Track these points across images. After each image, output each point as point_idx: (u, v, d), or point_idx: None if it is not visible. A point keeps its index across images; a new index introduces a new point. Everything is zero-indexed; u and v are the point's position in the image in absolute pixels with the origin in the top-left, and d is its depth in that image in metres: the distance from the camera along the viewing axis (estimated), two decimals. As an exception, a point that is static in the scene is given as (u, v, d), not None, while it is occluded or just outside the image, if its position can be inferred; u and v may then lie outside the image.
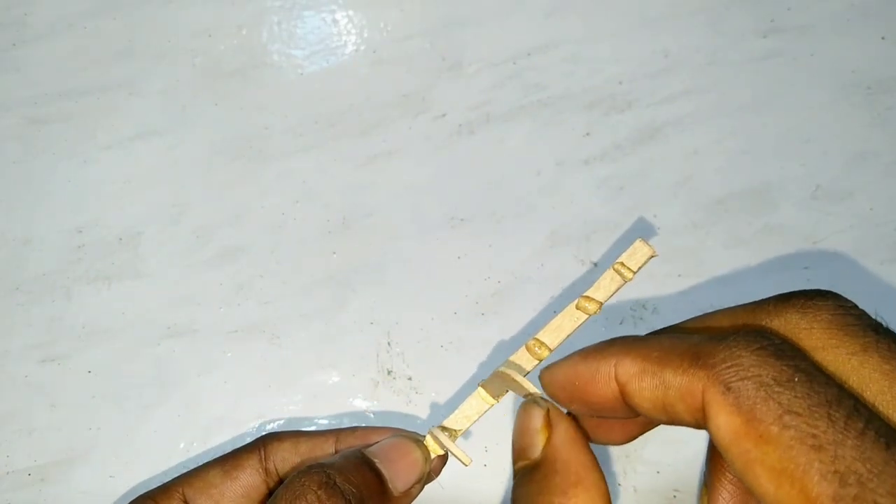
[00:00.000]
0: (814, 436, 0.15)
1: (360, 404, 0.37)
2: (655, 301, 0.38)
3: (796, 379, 0.16)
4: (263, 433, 0.28)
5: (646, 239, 0.24)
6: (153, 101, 0.44)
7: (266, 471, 0.26)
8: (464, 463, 0.25)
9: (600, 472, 0.20)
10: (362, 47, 0.44)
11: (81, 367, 0.38)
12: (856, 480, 0.14)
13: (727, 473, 0.23)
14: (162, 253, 0.40)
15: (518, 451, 0.21)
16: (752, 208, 0.40)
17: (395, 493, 0.24)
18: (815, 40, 0.43)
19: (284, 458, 0.27)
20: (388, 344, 0.38)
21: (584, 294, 0.25)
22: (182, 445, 0.37)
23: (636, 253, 0.24)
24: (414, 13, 0.45)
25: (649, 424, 0.24)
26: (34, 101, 0.44)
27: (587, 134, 0.42)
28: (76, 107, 0.44)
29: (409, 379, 0.38)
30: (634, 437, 0.24)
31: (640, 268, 0.24)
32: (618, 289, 0.24)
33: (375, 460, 0.25)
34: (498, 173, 0.41)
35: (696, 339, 0.18)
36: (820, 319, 0.19)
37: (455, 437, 0.25)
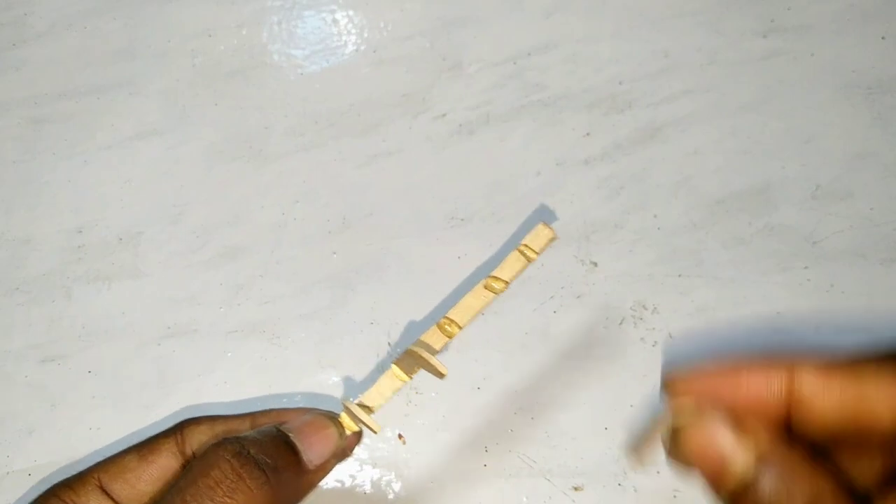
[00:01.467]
0: None
1: (360, 404, 0.37)
2: (655, 301, 0.38)
3: None
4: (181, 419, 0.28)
5: (548, 223, 0.26)
6: (153, 100, 0.44)
7: (183, 454, 0.27)
8: (374, 431, 0.26)
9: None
10: (362, 47, 0.44)
11: (81, 367, 0.38)
12: None
13: None
14: (162, 253, 0.40)
15: (715, 473, 0.18)
16: (752, 208, 0.40)
17: (310, 466, 0.25)
18: (815, 40, 0.43)
19: (201, 441, 0.27)
20: (388, 344, 0.38)
21: (491, 274, 0.26)
22: (182, 445, 0.37)
23: (538, 235, 0.25)
24: (414, 13, 0.45)
25: None
26: (34, 101, 0.44)
27: (587, 134, 0.42)
28: (76, 107, 0.44)
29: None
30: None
31: (542, 249, 0.25)
32: (522, 269, 0.26)
33: (290, 434, 0.25)
34: (498, 173, 0.41)
35: (883, 348, 0.18)
36: None
37: (370, 413, 0.26)
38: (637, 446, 0.21)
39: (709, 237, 0.39)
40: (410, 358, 0.26)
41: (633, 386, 0.37)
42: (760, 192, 0.40)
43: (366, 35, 0.44)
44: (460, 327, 0.26)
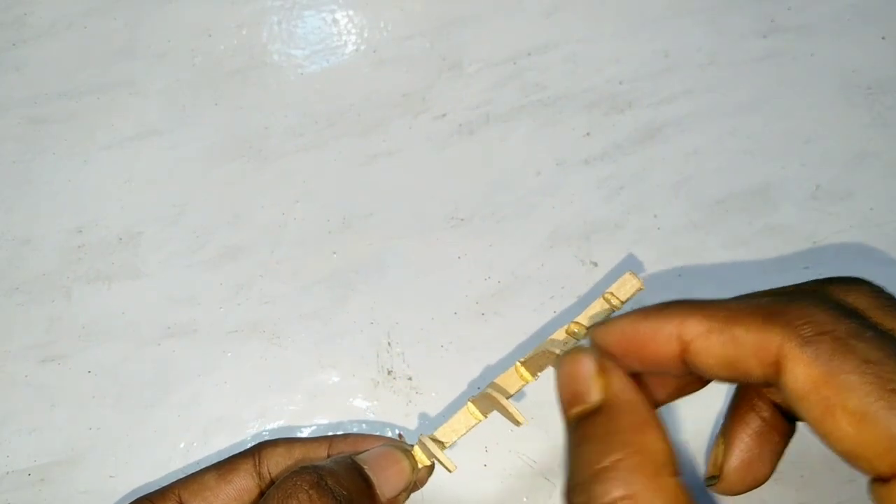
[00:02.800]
0: (891, 380, 0.16)
1: (360, 404, 0.37)
2: (655, 301, 0.38)
3: (868, 334, 0.17)
4: (260, 440, 0.29)
5: (636, 272, 0.27)
6: (153, 101, 0.44)
7: (259, 475, 0.27)
8: (448, 469, 0.26)
9: (658, 419, 0.20)
10: (362, 47, 0.44)
11: (81, 367, 0.38)
12: None
13: (746, 427, 0.24)
14: (162, 253, 0.40)
15: (570, 398, 0.21)
16: (752, 208, 0.40)
17: (383, 500, 0.25)
18: (815, 40, 0.43)
19: (278, 463, 0.28)
20: (388, 344, 0.38)
21: (574, 320, 0.26)
22: (182, 445, 0.37)
23: (625, 285, 0.26)
24: (414, 13, 0.45)
25: (688, 387, 0.24)
26: (34, 101, 0.44)
27: (587, 134, 0.42)
28: (76, 107, 0.44)
29: (409, 379, 0.38)
30: (672, 399, 0.24)
31: (628, 299, 0.26)
32: (606, 318, 0.26)
33: (365, 467, 0.25)
34: (498, 173, 0.41)
35: (765, 300, 0.19)
36: (860, 300, 0.20)
37: (443, 449, 0.26)
38: (529, 359, 0.25)
39: (709, 237, 0.39)
40: (486, 399, 0.26)
41: (633, 386, 0.37)
42: (760, 192, 0.40)
43: (366, 35, 0.44)
44: (532, 377, 0.26)
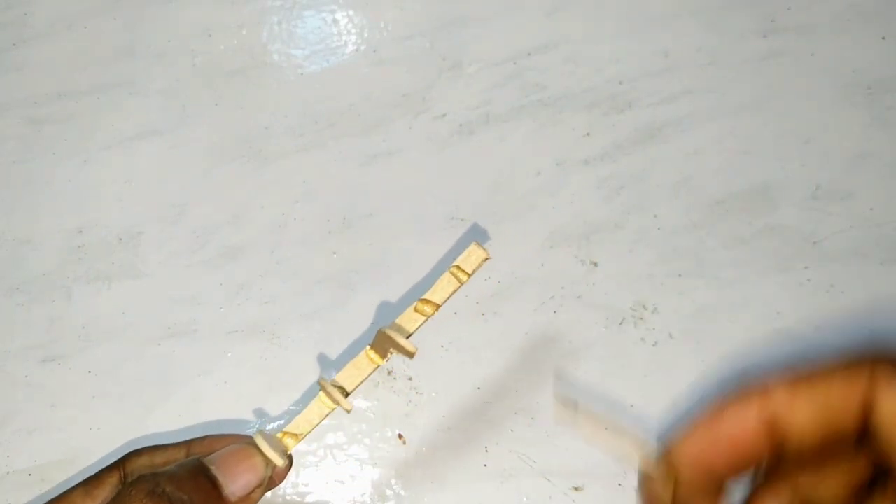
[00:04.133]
0: None
1: (360, 404, 0.37)
2: (655, 301, 0.38)
3: None
4: (128, 451, 0.29)
5: (480, 243, 0.26)
6: (153, 100, 0.44)
7: (123, 483, 0.27)
8: (280, 462, 0.25)
9: None
10: (362, 47, 0.44)
11: (81, 367, 0.38)
12: None
13: (786, 483, 0.22)
14: (162, 253, 0.40)
15: None
16: (752, 208, 0.40)
17: (233, 499, 0.25)
18: (815, 40, 0.43)
19: (141, 470, 0.27)
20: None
21: (423, 297, 0.26)
22: (182, 445, 0.37)
23: (471, 256, 0.25)
24: (414, 13, 0.45)
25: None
26: (34, 101, 0.44)
27: (587, 134, 0.42)
28: (76, 107, 0.44)
29: (409, 379, 0.38)
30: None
31: (474, 271, 0.25)
32: (454, 291, 0.26)
33: (212, 467, 0.25)
34: (498, 173, 0.41)
35: (835, 361, 0.19)
36: None
37: (297, 441, 0.26)
38: (377, 342, 0.25)
39: (709, 237, 0.39)
40: (331, 388, 0.26)
41: (633, 386, 0.37)
42: (760, 192, 0.40)
43: (366, 35, 0.44)
44: (382, 359, 0.26)
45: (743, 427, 0.19)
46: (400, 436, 0.36)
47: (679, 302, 0.38)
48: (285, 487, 0.36)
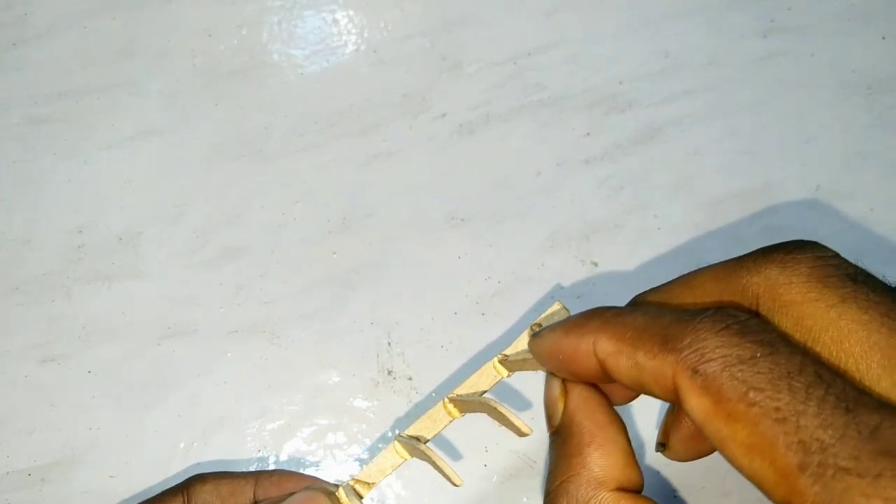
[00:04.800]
0: (777, 409, 0.15)
1: (360, 404, 0.37)
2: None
3: (759, 354, 0.16)
4: (192, 475, 0.29)
5: (562, 300, 0.27)
6: (153, 101, 0.44)
7: None
8: None
9: (617, 427, 0.21)
10: (362, 47, 0.44)
11: (81, 367, 0.38)
12: (818, 447, 0.15)
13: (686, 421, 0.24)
14: (162, 253, 0.40)
15: (547, 420, 0.23)
16: (752, 208, 0.40)
17: None
18: (815, 40, 0.43)
19: (206, 500, 0.28)
20: (388, 344, 0.38)
21: (503, 352, 0.27)
22: (182, 445, 0.37)
23: (554, 316, 0.26)
24: (414, 13, 0.45)
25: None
26: (34, 101, 0.44)
27: (587, 134, 0.42)
28: (76, 107, 0.44)
29: (409, 379, 0.38)
30: (632, 399, 0.25)
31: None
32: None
33: None
34: (498, 173, 0.41)
35: (668, 319, 0.19)
36: (799, 273, 0.19)
37: (369, 490, 0.26)
38: (461, 398, 0.26)
39: (709, 237, 0.39)
40: (412, 441, 0.26)
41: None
42: (760, 192, 0.40)
43: (366, 35, 0.44)
44: (460, 413, 0.27)
45: (579, 355, 0.21)
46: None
47: (679, 302, 0.38)
48: (285, 487, 0.36)
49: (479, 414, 0.27)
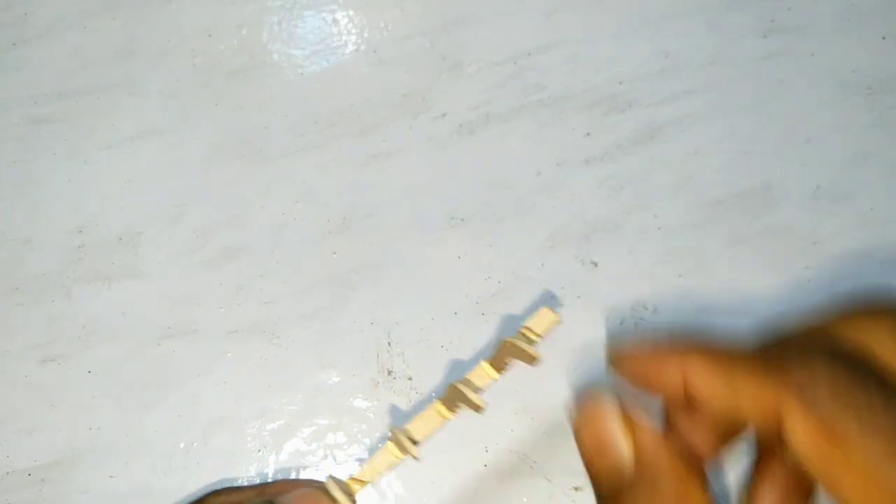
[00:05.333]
0: (892, 439, 0.15)
1: (360, 404, 0.37)
2: (655, 301, 0.38)
3: (871, 385, 0.16)
4: (207, 491, 0.31)
5: (552, 308, 0.27)
6: (153, 100, 0.44)
7: None
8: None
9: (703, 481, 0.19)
10: (362, 47, 0.44)
11: (81, 367, 0.38)
12: None
13: (771, 482, 0.22)
14: (162, 253, 0.40)
15: (596, 448, 0.20)
16: (752, 208, 0.40)
17: None
18: (816, 40, 0.43)
19: None
20: (388, 344, 0.38)
21: (493, 357, 0.27)
22: (182, 445, 0.37)
23: (542, 319, 0.27)
24: (414, 13, 0.45)
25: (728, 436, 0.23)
26: (34, 101, 0.44)
27: (587, 134, 0.42)
28: (76, 107, 0.44)
29: (409, 379, 0.38)
30: (719, 450, 0.22)
31: (545, 333, 0.26)
32: (524, 352, 0.27)
33: None
34: (498, 173, 0.41)
35: (771, 346, 0.18)
36: (879, 335, 0.19)
37: (363, 486, 0.27)
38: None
39: (709, 237, 0.39)
40: (403, 437, 0.27)
41: (633, 386, 0.37)
42: (760, 192, 0.40)
43: (366, 35, 0.44)
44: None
45: (664, 370, 0.19)
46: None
47: (679, 302, 0.38)
48: (285, 487, 0.36)
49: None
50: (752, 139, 0.41)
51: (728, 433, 0.22)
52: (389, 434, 0.28)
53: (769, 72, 0.42)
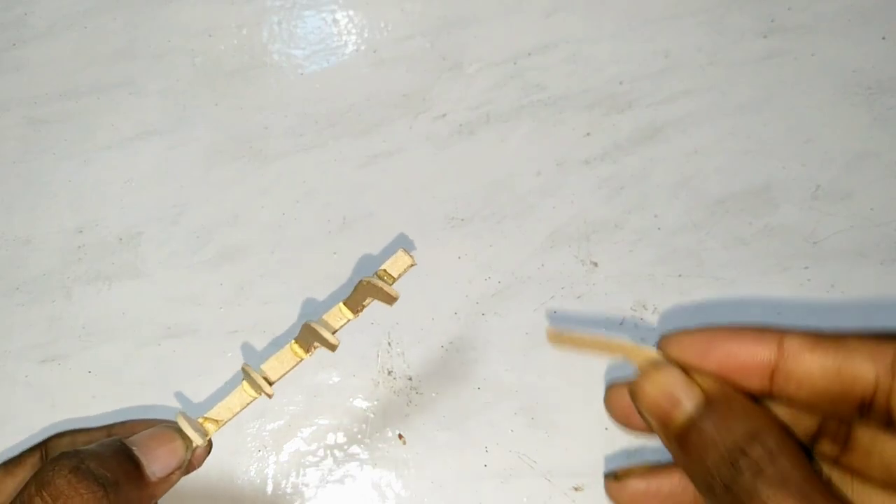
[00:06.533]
0: None
1: (360, 404, 0.37)
2: (655, 301, 0.38)
3: None
4: (51, 433, 0.29)
5: (407, 250, 0.27)
6: (153, 101, 0.44)
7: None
8: (199, 444, 0.26)
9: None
10: (362, 47, 0.44)
11: (81, 367, 0.38)
12: None
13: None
14: (162, 253, 0.40)
15: (664, 417, 0.20)
16: (752, 208, 0.39)
17: (153, 479, 0.25)
18: (815, 40, 0.43)
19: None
20: (388, 344, 0.38)
21: (346, 300, 0.28)
22: (182, 445, 0.37)
23: (398, 262, 0.27)
24: (414, 13, 0.45)
25: None
26: (34, 101, 0.44)
27: (587, 134, 0.42)
28: (76, 107, 0.44)
29: (409, 379, 0.38)
30: None
31: (400, 275, 0.27)
32: (377, 295, 0.27)
33: (133, 448, 0.25)
34: (498, 173, 0.41)
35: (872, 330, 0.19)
36: None
37: (218, 426, 0.27)
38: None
39: (709, 237, 0.39)
40: (254, 374, 0.27)
41: (633, 386, 0.37)
42: (760, 192, 0.40)
43: (366, 35, 0.44)
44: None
45: (750, 352, 0.19)
46: (400, 436, 0.36)
47: (679, 302, 0.38)
48: (285, 487, 0.36)
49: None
50: (752, 139, 0.41)
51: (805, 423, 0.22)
52: (243, 373, 0.27)
53: (769, 72, 0.42)
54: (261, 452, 0.37)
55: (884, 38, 0.42)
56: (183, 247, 0.41)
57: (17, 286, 0.40)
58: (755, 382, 0.20)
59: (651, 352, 0.21)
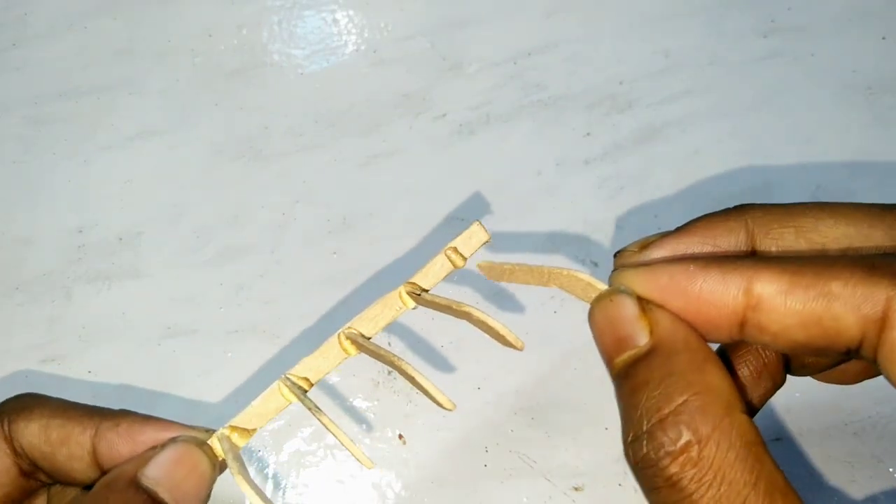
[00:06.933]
0: None
1: (360, 404, 0.37)
2: (655, 301, 0.38)
3: None
4: (14, 403, 0.25)
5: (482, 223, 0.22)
6: (153, 101, 0.44)
7: (14, 452, 0.23)
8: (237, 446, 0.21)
9: (714, 354, 0.18)
10: (362, 47, 0.44)
11: (81, 367, 0.38)
12: None
13: (742, 364, 0.21)
14: (162, 253, 0.40)
15: (614, 344, 0.18)
16: (752, 208, 0.39)
17: None
18: (815, 40, 0.43)
19: (32, 444, 0.23)
20: (389, 344, 0.38)
21: (410, 280, 0.22)
22: (182, 445, 0.37)
23: (472, 238, 0.22)
24: (414, 13, 0.45)
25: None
26: (34, 101, 0.44)
27: (587, 134, 0.42)
28: (76, 107, 0.44)
29: (409, 379, 0.38)
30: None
31: (473, 254, 0.22)
32: (446, 276, 0.22)
33: (158, 490, 0.20)
34: (498, 173, 0.41)
35: (865, 256, 0.17)
36: None
37: (248, 437, 0.22)
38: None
39: (709, 237, 0.39)
40: (297, 382, 0.23)
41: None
42: (760, 192, 0.40)
43: (366, 35, 0.44)
44: (356, 351, 0.22)
45: (717, 295, 0.17)
46: (400, 436, 0.36)
47: (679, 302, 0.38)
48: (286, 487, 0.36)
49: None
50: (753, 139, 0.41)
51: (776, 373, 0.20)
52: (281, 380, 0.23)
53: (769, 72, 0.42)
54: (261, 452, 0.37)
55: (884, 38, 0.42)
56: (183, 247, 0.41)
57: (17, 286, 0.40)
58: (723, 333, 0.18)
59: (587, 278, 0.20)
